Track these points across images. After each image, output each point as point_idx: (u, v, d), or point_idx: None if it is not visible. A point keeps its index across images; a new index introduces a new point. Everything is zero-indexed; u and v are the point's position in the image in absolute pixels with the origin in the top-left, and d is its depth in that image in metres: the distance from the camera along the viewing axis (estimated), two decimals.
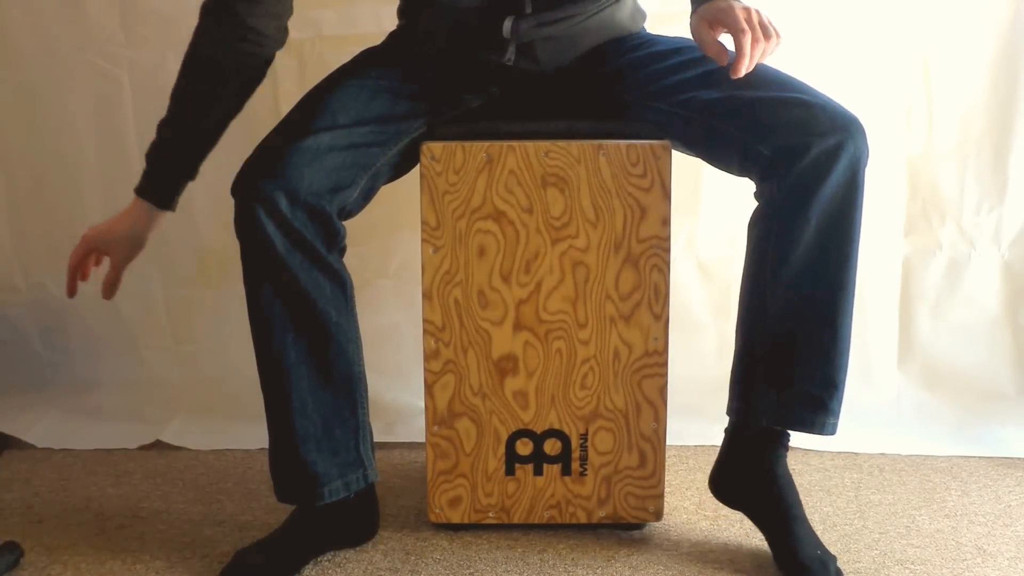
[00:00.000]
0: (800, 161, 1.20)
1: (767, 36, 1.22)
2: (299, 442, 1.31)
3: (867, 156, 1.23)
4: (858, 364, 1.87)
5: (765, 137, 1.22)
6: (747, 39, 1.21)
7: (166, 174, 1.38)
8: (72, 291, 1.45)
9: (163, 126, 1.37)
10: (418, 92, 1.35)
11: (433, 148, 1.31)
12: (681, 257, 1.87)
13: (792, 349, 1.28)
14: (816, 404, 1.28)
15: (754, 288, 1.30)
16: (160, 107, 1.87)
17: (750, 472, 1.35)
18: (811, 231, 1.23)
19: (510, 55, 1.37)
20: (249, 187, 1.23)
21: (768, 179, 1.25)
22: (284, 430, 1.31)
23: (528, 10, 1.34)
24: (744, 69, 1.21)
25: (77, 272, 1.45)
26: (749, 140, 1.24)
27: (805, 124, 1.20)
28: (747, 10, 1.23)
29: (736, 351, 1.35)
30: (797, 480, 1.60)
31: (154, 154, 1.37)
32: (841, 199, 1.22)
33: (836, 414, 1.29)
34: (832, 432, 1.30)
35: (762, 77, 1.27)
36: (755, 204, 1.30)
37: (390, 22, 1.79)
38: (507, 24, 1.35)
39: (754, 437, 1.34)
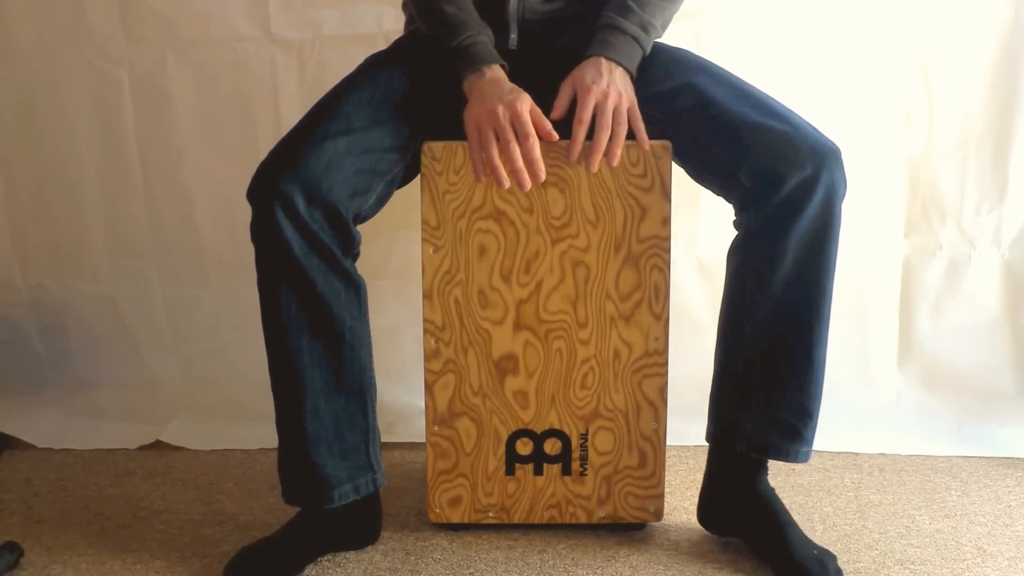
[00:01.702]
0: (778, 193, 1.23)
1: (616, 126, 1.26)
2: (310, 445, 1.31)
3: (844, 188, 1.25)
4: (858, 364, 1.89)
5: (744, 164, 1.25)
6: (582, 130, 1.27)
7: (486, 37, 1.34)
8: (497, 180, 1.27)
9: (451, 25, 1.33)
10: (429, 92, 1.35)
11: (434, 148, 1.31)
12: (681, 257, 1.87)
13: (768, 378, 1.31)
14: (791, 433, 1.31)
15: (732, 316, 1.33)
16: (160, 107, 1.89)
17: (735, 496, 1.37)
18: (788, 262, 1.25)
19: (513, 41, 1.37)
20: (267, 188, 1.23)
21: (747, 209, 1.28)
22: (295, 432, 1.31)
23: None
24: (583, 163, 1.28)
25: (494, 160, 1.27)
26: (730, 165, 1.26)
27: (784, 154, 1.22)
28: (606, 95, 1.26)
29: (714, 377, 1.38)
30: (797, 480, 1.61)
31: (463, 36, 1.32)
32: (818, 230, 1.24)
33: (809, 442, 1.32)
34: (805, 460, 1.33)
35: (750, 98, 1.30)
36: (734, 232, 1.33)
37: (390, 22, 1.80)
38: (511, 5, 1.36)
39: (734, 463, 1.36)
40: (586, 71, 1.28)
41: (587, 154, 1.28)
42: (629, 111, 1.28)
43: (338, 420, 1.32)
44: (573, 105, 1.29)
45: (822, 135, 1.26)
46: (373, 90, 1.33)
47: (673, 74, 1.34)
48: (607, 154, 1.27)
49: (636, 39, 1.31)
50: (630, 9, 1.31)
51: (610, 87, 1.27)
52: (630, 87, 1.30)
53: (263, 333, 1.30)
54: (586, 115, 1.26)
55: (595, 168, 1.28)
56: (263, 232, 1.24)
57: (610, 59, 1.29)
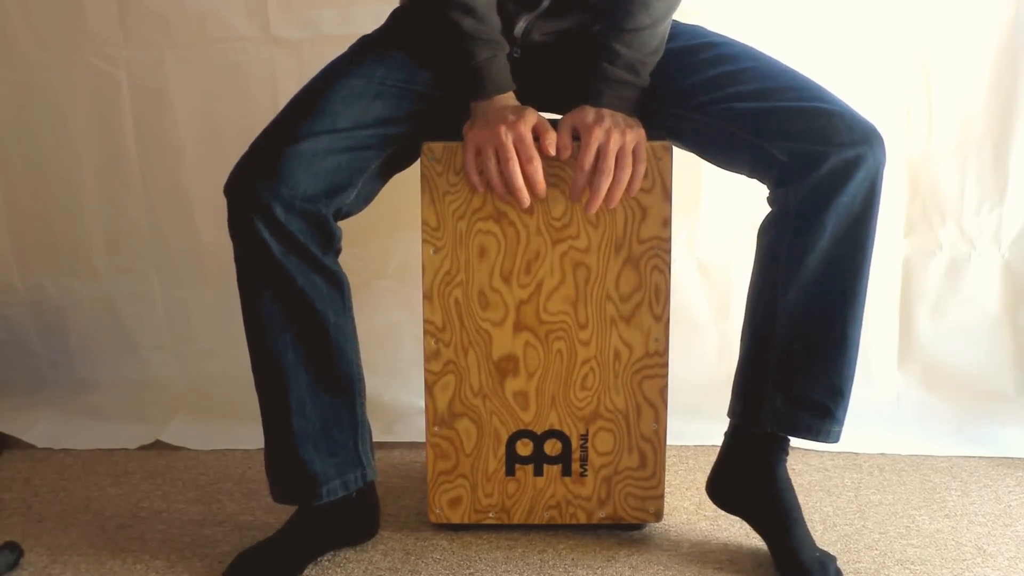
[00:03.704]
0: (818, 169, 1.20)
1: (619, 169, 1.24)
2: (297, 442, 1.30)
3: (884, 165, 1.22)
4: (858, 364, 1.88)
5: (780, 144, 1.22)
6: (583, 176, 1.25)
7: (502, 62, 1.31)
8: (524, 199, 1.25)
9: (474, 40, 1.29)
10: (423, 91, 1.34)
11: (434, 148, 1.31)
12: (681, 258, 1.87)
13: (800, 356, 1.28)
14: (822, 411, 1.29)
15: (763, 293, 1.30)
16: (159, 107, 1.89)
17: (750, 476, 1.35)
18: (826, 239, 1.22)
19: (516, 50, 1.36)
20: (243, 191, 1.22)
21: (783, 185, 1.24)
22: (282, 431, 1.31)
23: (544, 4, 1.34)
24: (583, 201, 1.26)
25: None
26: (763, 146, 1.23)
27: (824, 134, 1.19)
28: (608, 134, 1.23)
29: (742, 354, 1.35)
30: (797, 480, 1.61)
31: (478, 60, 1.29)
32: (859, 208, 1.21)
33: (841, 422, 1.30)
34: (836, 440, 1.31)
35: (780, 81, 1.26)
36: (764, 208, 1.30)
37: None
38: (520, 24, 1.35)
39: (755, 441, 1.34)
40: (587, 111, 1.26)
41: (586, 198, 1.26)
42: (635, 150, 1.25)
43: (325, 417, 1.31)
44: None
45: (858, 113, 1.22)
46: (365, 84, 1.30)
47: (692, 68, 1.31)
48: (606, 199, 1.25)
49: (629, 83, 1.29)
50: (617, 53, 1.28)
51: (613, 127, 1.24)
52: (634, 123, 1.27)
53: (245, 332, 1.29)
54: (587, 161, 1.24)
55: (593, 211, 1.27)
56: (240, 233, 1.24)
57: (607, 107, 1.27)
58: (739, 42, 1.35)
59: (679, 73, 1.31)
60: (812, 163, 1.20)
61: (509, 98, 1.30)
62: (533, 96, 1.31)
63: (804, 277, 1.25)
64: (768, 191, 1.28)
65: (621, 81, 1.28)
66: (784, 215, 1.25)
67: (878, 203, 1.23)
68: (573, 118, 1.27)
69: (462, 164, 1.28)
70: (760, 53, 1.33)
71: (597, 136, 1.23)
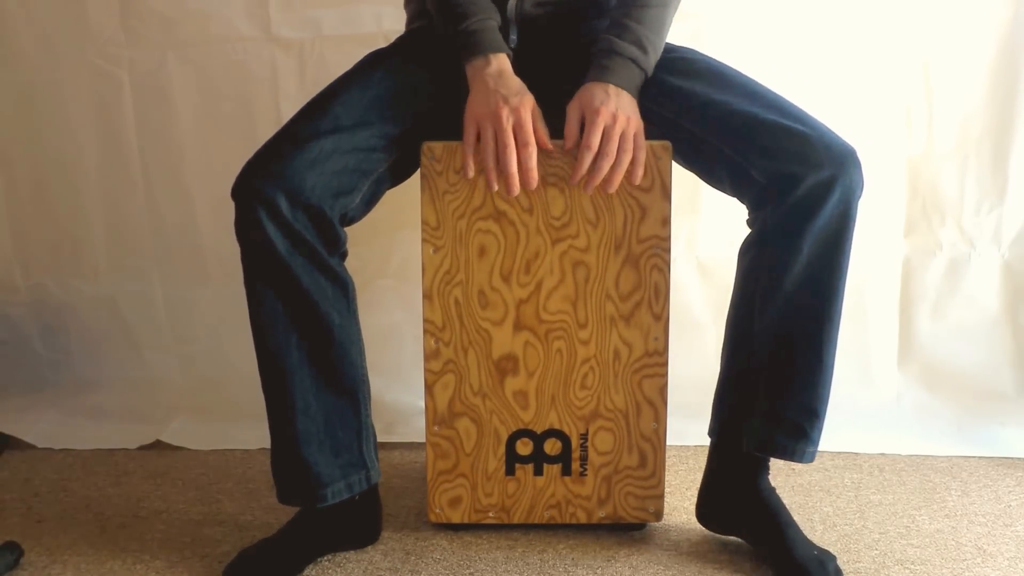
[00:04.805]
0: (794, 192, 1.21)
1: (620, 152, 1.24)
2: (301, 443, 1.31)
3: (861, 189, 1.24)
4: (858, 364, 1.89)
5: (759, 163, 1.23)
6: (589, 156, 1.25)
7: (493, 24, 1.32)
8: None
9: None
10: (424, 92, 1.34)
11: (434, 148, 1.31)
12: (681, 257, 1.87)
13: (776, 376, 1.30)
14: (797, 432, 1.30)
15: (742, 314, 1.32)
16: (160, 106, 1.89)
17: (735, 494, 1.37)
18: (802, 261, 1.24)
19: (513, 41, 1.37)
20: (250, 189, 1.23)
21: (761, 207, 1.26)
22: (286, 431, 1.31)
23: None
24: (581, 183, 1.27)
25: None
26: (743, 163, 1.25)
27: (800, 154, 1.21)
28: (614, 118, 1.24)
29: (720, 374, 1.37)
30: (797, 480, 1.61)
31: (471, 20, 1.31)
32: (833, 231, 1.23)
33: (816, 443, 1.32)
34: (810, 460, 1.32)
35: (766, 99, 1.28)
36: (747, 228, 1.32)
37: (390, 22, 1.80)
38: (511, 3, 1.35)
39: (736, 461, 1.36)
40: (593, 93, 1.26)
41: (585, 178, 1.26)
42: (635, 137, 1.26)
43: (329, 418, 1.32)
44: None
45: (838, 136, 1.24)
46: (364, 90, 1.32)
47: (682, 74, 1.33)
48: (605, 181, 1.26)
49: (635, 60, 1.29)
50: (626, 27, 1.29)
51: (619, 110, 1.25)
52: (636, 111, 1.28)
53: (251, 332, 1.29)
54: (594, 141, 1.24)
55: (591, 192, 1.27)
56: (247, 232, 1.24)
57: (612, 83, 1.27)
58: (730, 66, 1.38)
59: (674, 74, 1.32)
60: (789, 185, 1.21)
61: (505, 63, 1.29)
62: (532, 92, 1.31)
63: (781, 298, 1.27)
64: (747, 213, 1.30)
65: (628, 57, 1.29)
66: (762, 237, 1.28)
67: (853, 226, 1.24)
68: (580, 99, 1.27)
69: (461, 147, 1.28)
70: (750, 77, 1.35)
71: (604, 117, 1.24)
